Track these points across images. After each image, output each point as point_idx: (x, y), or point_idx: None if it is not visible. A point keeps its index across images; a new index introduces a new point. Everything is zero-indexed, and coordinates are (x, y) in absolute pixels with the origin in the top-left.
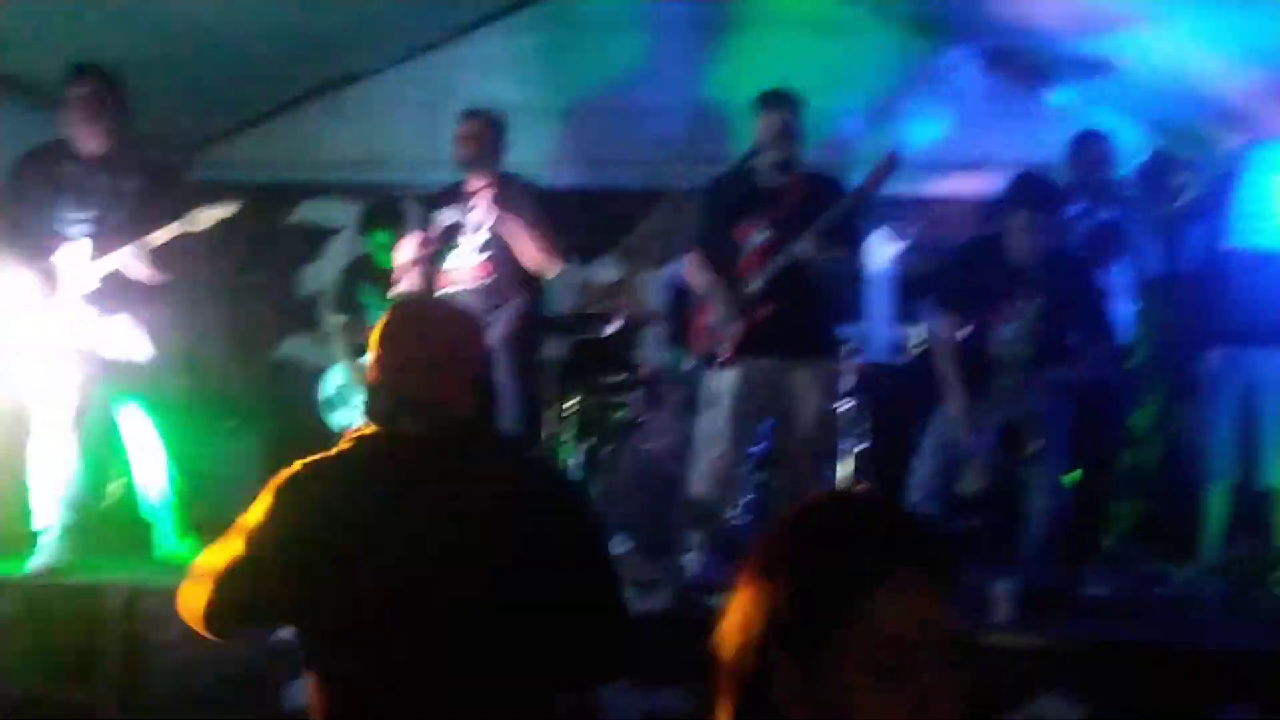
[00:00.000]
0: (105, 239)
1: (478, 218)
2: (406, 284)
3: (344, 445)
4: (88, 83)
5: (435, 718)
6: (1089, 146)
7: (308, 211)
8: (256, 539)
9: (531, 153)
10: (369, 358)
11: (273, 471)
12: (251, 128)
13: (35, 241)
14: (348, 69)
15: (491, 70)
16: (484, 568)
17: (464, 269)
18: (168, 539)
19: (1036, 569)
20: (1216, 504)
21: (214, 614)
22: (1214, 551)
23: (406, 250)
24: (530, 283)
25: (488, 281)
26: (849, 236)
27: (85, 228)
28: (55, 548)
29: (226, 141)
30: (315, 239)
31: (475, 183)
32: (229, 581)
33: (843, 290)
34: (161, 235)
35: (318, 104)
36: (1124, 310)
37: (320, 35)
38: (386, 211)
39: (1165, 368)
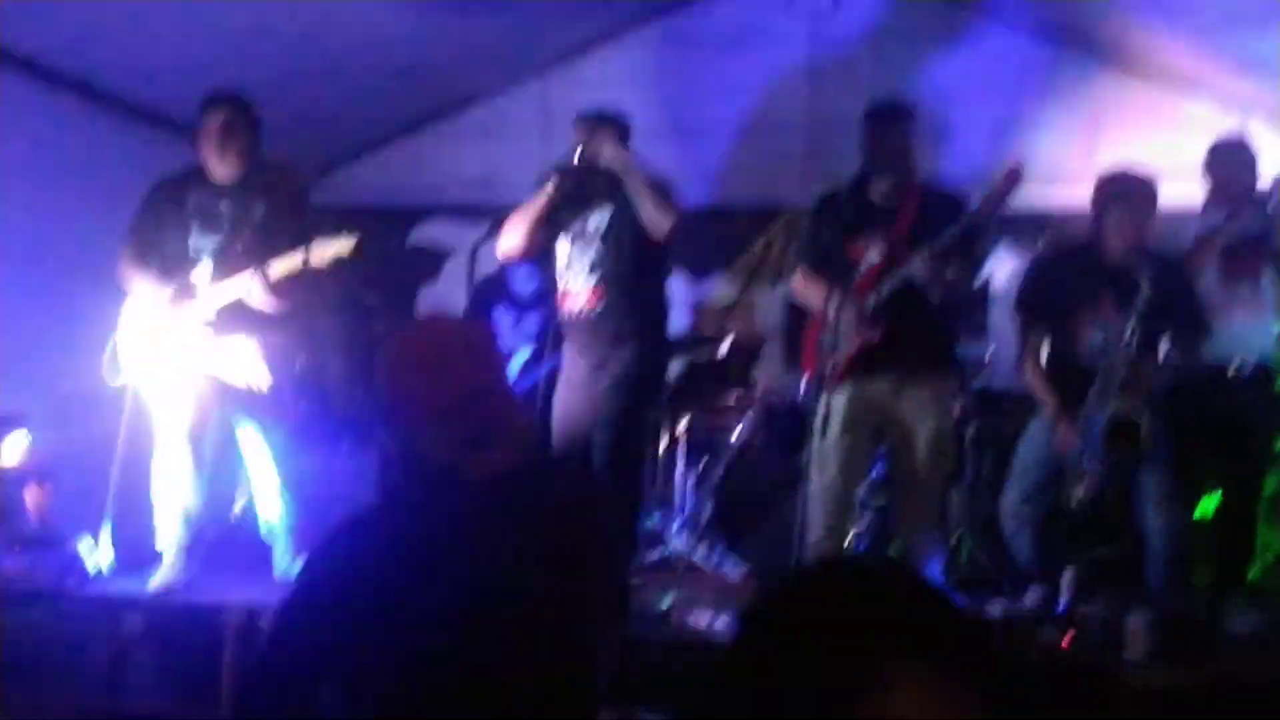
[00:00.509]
0: (231, 262)
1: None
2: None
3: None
4: (222, 110)
5: None
6: (1228, 154)
7: (426, 233)
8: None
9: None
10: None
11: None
12: (371, 152)
13: (165, 264)
14: (463, 91)
15: (605, 89)
16: (553, 608)
17: (579, 292)
18: (283, 559)
19: (1171, 601)
20: None
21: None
22: None
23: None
24: (653, 307)
25: (599, 310)
26: (967, 255)
27: (211, 251)
28: (176, 566)
29: (346, 166)
30: (433, 261)
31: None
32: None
33: (959, 309)
34: (280, 267)
35: (435, 127)
36: (1272, 328)
37: (436, 58)
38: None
39: None
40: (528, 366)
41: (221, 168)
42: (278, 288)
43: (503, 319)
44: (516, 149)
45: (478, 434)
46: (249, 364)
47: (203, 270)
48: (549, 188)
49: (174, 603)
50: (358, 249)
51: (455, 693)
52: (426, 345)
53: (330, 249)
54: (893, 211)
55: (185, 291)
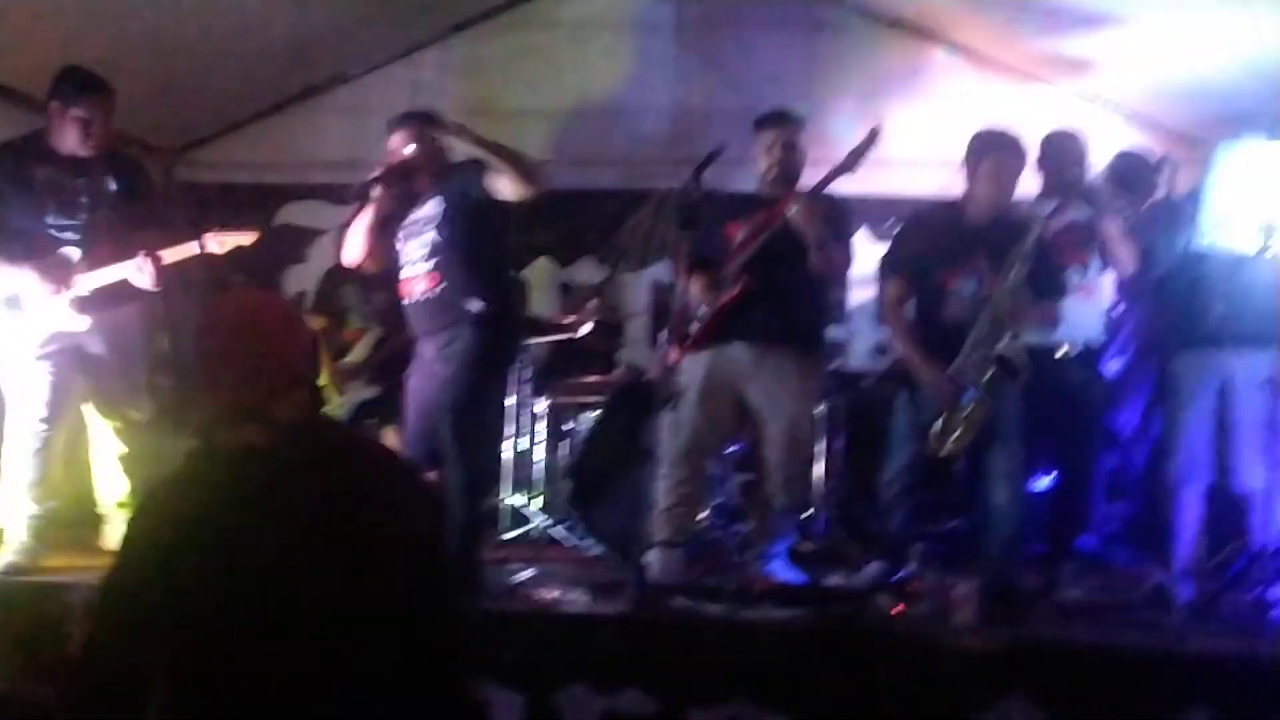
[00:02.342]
0: (95, 242)
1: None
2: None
3: (176, 468)
4: (92, 95)
5: None
6: (1059, 145)
7: (292, 214)
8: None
9: None
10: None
11: None
12: (237, 130)
13: (17, 241)
14: (332, 71)
15: (474, 71)
16: (318, 578)
17: (416, 278)
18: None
19: (1002, 570)
20: (1191, 507)
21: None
22: (1189, 555)
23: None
24: (492, 285)
25: (436, 293)
26: (839, 225)
27: (73, 233)
28: (24, 545)
29: (212, 143)
30: (300, 241)
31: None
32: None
33: (827, 287)
34: (175, 253)
35: (303, 106)
36: (1100, 312)
37: (304, 38)
38: None
39: (1146, 369)
40: (379, 345)
41: (78, 147)
42: (163, 270)
43: (352, 296)
44: (383, 131)
45: (241, 406)
46: (113, 339)
47: (71, 251)
48: (374, 195)
49: (18, 582)
50: (258, 241)
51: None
52: (216, 317)
53: (231, 239)
54: (773, 202)
55: (59, 273)
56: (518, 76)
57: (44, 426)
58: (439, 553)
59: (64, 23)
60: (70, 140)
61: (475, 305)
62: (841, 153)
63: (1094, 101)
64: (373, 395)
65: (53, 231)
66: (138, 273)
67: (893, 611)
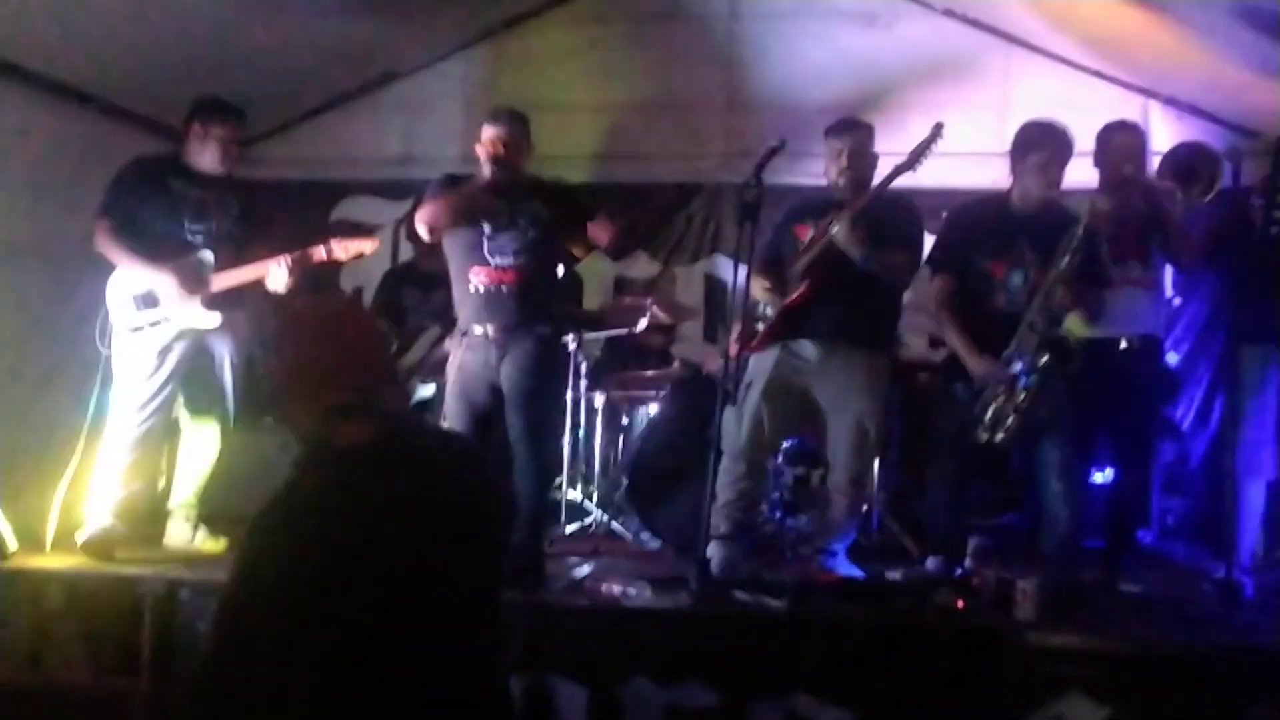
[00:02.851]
0: (224, 247)
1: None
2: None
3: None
4: (232, 120)
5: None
6: (1118, 137)
7: (348, 209)
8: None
9: (570, 148)
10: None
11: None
12: (294, 127)
13: (155, 244)
14: (387, 68)
15: (528, 66)
16: (440, 571)
17: (499, 269)
18: (198, 537)
19: (1062, 565)
20: (1254, 500)
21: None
22: (1252, 548)
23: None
24: (560, 288)
25: (515, 288)
26: (894, 228)
27: (208, 236)
28: (105, 524)
29: (270, 140)
30: (355, 238)
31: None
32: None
33: (896, 288)
34: (306, 256)
35: (358, 103)
36: (1159, 304)
37: (358, 35)
38: None
39: (1204, 362)
40: (436, 343)
41: (217, 166)
42: (296, 274)
43: (411, 296)
44: (439, 126)
45: (345, 404)
46: (233, 339)
47: (206, 254)
48: (481, 179)
49: (93, 576)
50: (377, 250)
51: (370, 668)
52: (316, 321)
53: (355, 246)
54: (841, 204)
55: (196, 273)
56: (570, 71)
57: (147, 414)
58: (505, 550)
59: (121, 21)
60: (208, 159)
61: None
62: (896, 146)
63: (1153, 94)
64: (430, 394)
65: (189, 238)
66: (276, 271)
67: (953, 606)
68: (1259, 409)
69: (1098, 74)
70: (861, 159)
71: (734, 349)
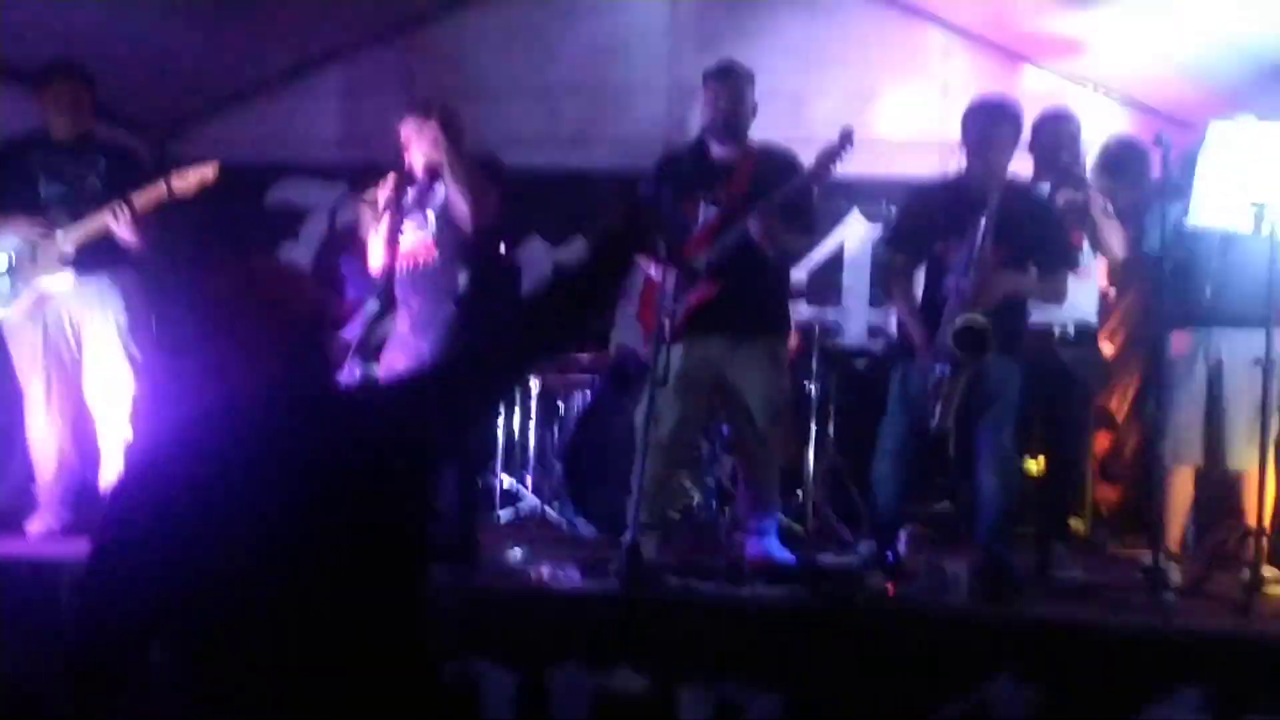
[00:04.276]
0: (80, 208)
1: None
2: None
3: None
4: (65, 79)
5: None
6: (1051, 127)
7: (284, 192)
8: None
9: (508, 133)
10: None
11: None
12: (229, 108)
13: (16, 212)
14: (324, 50)
15: (467, 50)
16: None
17: (414, 249)
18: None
19: (993, 551)
20: (1180, 489)
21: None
22: (1180, 535)
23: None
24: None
25: (432, 265)
26: (801, 215)
27: (61, 197)
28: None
29: (205, 122)
30: (292, 219)
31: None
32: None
33: (789, 268)
34: (145, 197)
35: (295, 85)
36: (1093, 293)
37: (296, 16)
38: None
39: (1138, 351)
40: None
41: (65, 129)
42: (139, 222)
43: (349, 268)
44: (376, 109)
45: (290, 363)
46: (109, 303)
47: (56, 213)
48: (387, 193)
49: (9, 561)
50: (218, 173)
51: (279, 627)
52: (259, 279)
53: (194, 176)
54: (730, 171)
55: (42, 231)
56: (510, 55)
57: (35, 392)
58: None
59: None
60: (58, 122)
61: (462, 277)
62: (835, 134)
63: (1086, 84)
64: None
65: (41, 198)
66: (114, 221)
67: (883, 590)
68: (1186, 397)
69: (1033, 63)
70: (740, 105)
71: (672, 331)
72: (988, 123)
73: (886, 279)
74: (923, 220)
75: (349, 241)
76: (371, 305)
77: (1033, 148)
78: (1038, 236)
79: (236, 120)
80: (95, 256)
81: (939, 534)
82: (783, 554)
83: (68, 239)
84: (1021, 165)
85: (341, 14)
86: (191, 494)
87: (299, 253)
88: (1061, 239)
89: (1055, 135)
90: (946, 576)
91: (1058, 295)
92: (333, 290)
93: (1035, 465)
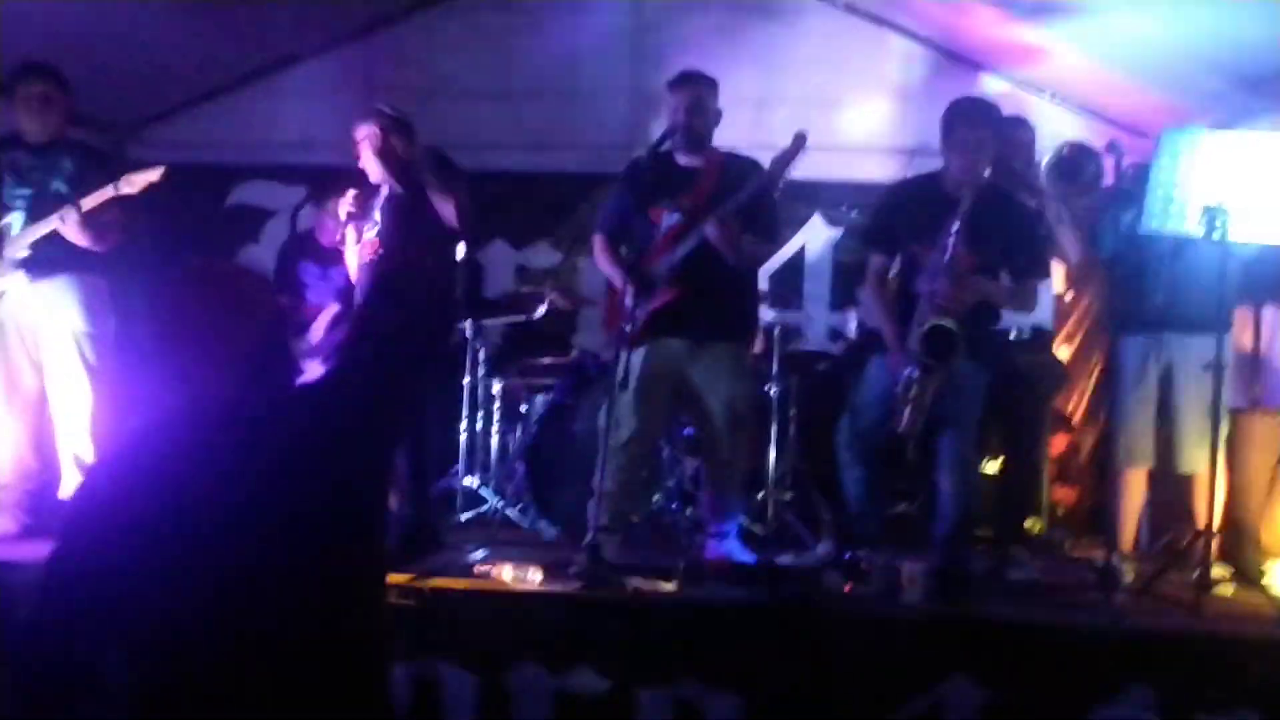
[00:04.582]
0: (42, 210)
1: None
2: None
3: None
4: (40, 81)
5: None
6: (1008, 134)
7: (246, 193)
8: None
9: (471, 136)
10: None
11: None
12: (190, 109)
13: None
14: (285, 52)
15: (429, 51)
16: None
17: (366, 246)
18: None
19: (951, 552)
20: (1133, 490)
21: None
22: (1133, 535)
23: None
24: (432, 261)
25: (376, 259)
26: (761, 219)
27: (23, 199)
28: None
29: (164, 122)
30: (252, 221)
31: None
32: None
33: (755, 273)
34: (93, 198)
35: (256, 86)
36: (1049, 297)
37: (259, 17)
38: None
39: (1094, 355)
40: (335, 321)
41: (36, 131)
42: (92, 223)
43: (309, 273)
44: (337, 112)
45: (253, 367)
46: (67, 307)
47: (15, 217)
48: (349, 205)
49: None
50: (166, 177)
51: (237, 644)
52: (219, 282)
53: (140, 178)
54: (693, 178)
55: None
56: (473, 58)
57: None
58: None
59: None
60: (28, 123)
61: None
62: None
63: (1042, 91)
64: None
65: (5, 199)
66: (61, 224)
67: (842, 590)
68: (1139, 399)
69: (990, 70)
70: (703, 114)
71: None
72: (968, 123)
73: (866, 279)
74: (898, 218)
75: (309, 245)
76: (334, 309)
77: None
78: (1012, 242)
79: (197, 121)
80: (54, 259)
81: (899, 535)
82: (743, 555)
83: (21, 241)
84: None
85: (304, 16)
86: (152, 499)
87: (260, 255)
88: (1036, 247)
89: (1010, 141)
90: (903, 577)
91: (1027, 304)
92: (294, 294)
93: (992, 467)
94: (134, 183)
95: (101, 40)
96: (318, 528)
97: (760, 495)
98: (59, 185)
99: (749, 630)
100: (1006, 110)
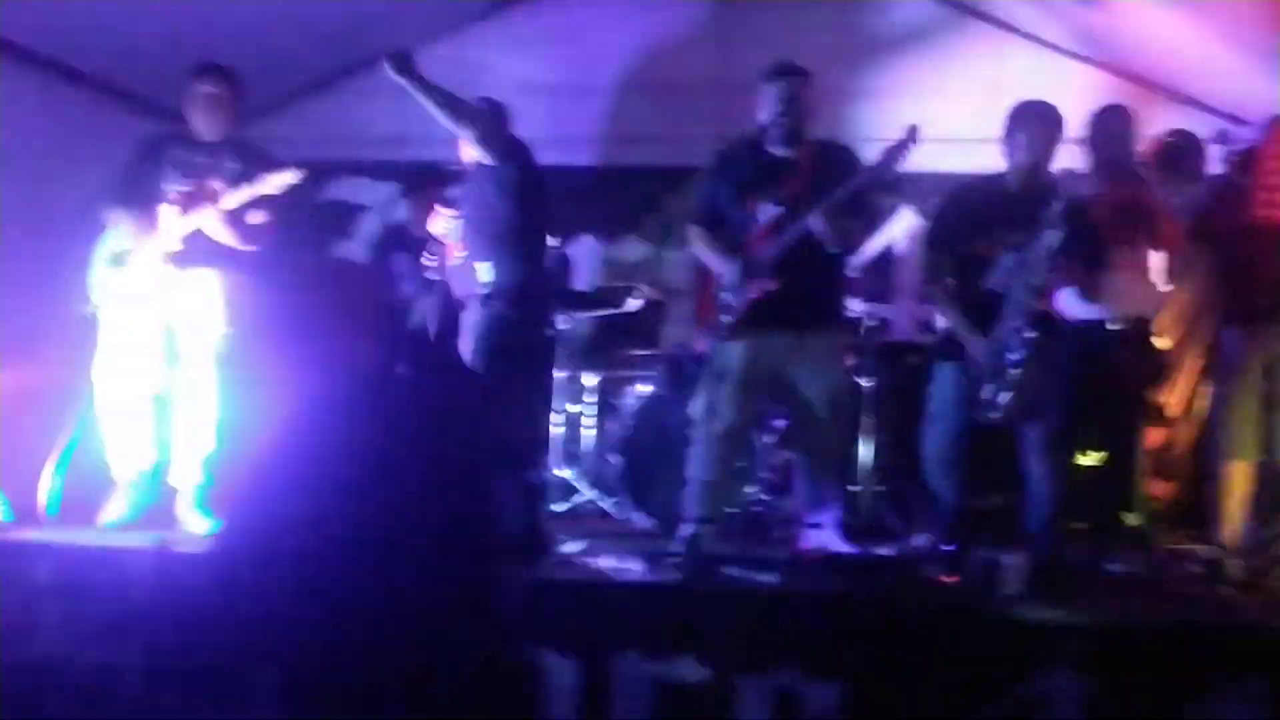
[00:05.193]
0: (197, 205)
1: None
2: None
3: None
4: (209, 80)
5: None
6: (1108, 121)
7: (340, 189)
8: None
9: (559, 130)
10: None
11: None
12: (285, 108)
13: (144, 206)
14: (378, 48)
15: (520, 47)
16: None
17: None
18: (193, 508)
19: (1048, 544)
20: (1237, 483)
21: None
22: (1237, 530)
23: (439, 222)
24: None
25: (461, 260)
26: (862, 211)
27: (180, 192)
28: (125, 501)
29: (260, 121)
30: (345, 217)
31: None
32: None
33: (845, 264)
34: (234, 198)
35: (349, 83)
36: (1150, 288)
37: (354, 13)
38: (425, 184)
39: (1194, 347)
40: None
41: (204, 128)
42: (235, 219)
43: (402, 265)
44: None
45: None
46: (210, 301)
47: (170, 207)
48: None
49: (84, 549)
50: (304, 178)
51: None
52: (341, 276)
53: (278, 179)
54: (790, 167)
55: (151, 224)
56: (563, 52)
57: (121, 382)
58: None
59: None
60: (198, 121)
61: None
62: (885, 131)
63: (1141, 79)
64: None
65: (165, 193)
66: (208, 217)
67: (940, 583)
68: (1243, 391)
69: (1087, 59)
70: (799, 107)
71: (732, 327)
72: (1039, 126)
73: (928, 278)
74: (963, 219)
75: (402, 238)
76: (428, 299)
77: (1088, 143)
78: (1077, 237)
79: (291, 118)
80: (204, 253)
81: (997, 527)
82: (840, 546)
83: (174, 235)
84: (1075, 159)
85: (398, 12)
86: (313, 477)
87: (353, 250)
88: (1098, 241)
89: (1109, 130)
90: (1001, 569)
91: (1096, 294)
92: (388, 286)
93: (1091, 458)
94: (273, 183)
95: (201, 38)
96: (433, 508)
97: (855, 487)
98: (219, 182)
99: (848, 621)
100: (1103, 99)
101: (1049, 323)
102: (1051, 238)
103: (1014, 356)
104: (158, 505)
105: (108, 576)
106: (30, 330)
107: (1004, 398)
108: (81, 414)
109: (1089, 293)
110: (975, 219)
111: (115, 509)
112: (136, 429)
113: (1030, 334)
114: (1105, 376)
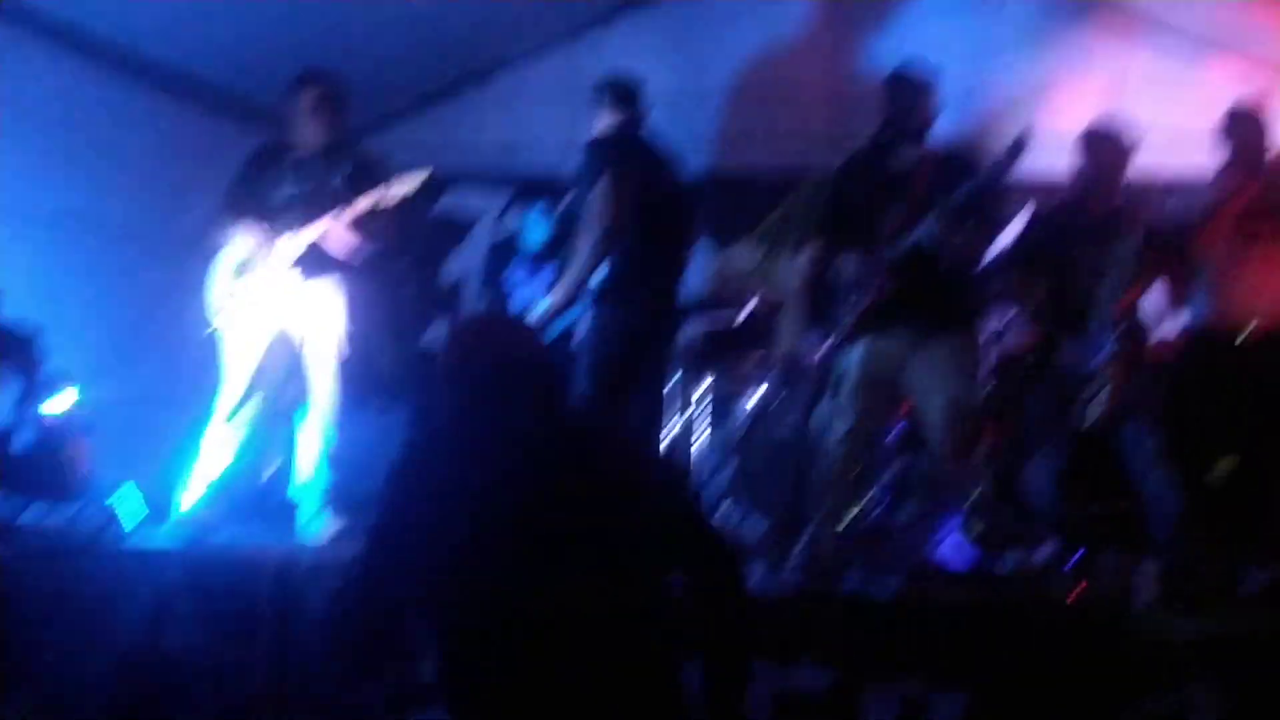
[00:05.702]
0: (314, 214)
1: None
2: None
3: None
4: (315, 86)
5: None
6: (1243, 120)
7: (453, 199)
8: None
9: (670, 138)
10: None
11: None
12: (397, 120)
13: (259, 216)
14: (489, 60)
15: (630, 56)
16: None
17: None
18: (311, 518)
19: (1178, 553)
20: None
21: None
22: None
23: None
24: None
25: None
26: (980, 217)
27: (297, 203)
28: (215, 511)
29: (373, 135)
30: (458, 227)
31: None
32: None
33: (974, 267)
34: (357, 208)
35: (460, 95)
36: None
37: (461, 27)
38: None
39: None
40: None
41: (312, 137)
42: (355, 230)
43: (517, 275)
44: (541, 117)
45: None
46: (332, 308)
47: (288, 218)
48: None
49: (212, 554)
50: (429, 181)
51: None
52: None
53: (403, 185)
54: (911, 172)
55: (271, 235)
56: (675, 59)
57: (260, 394)
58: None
59: (237, 21)
60: (305, 129)
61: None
62: (1006, 128)
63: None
64: None
65: (281, 203)
66: (329, 227)
67: (1070, 593)
68: None
69: (1223, 49)
70: (920, 110)
71: (852, 331)
72: (1098, 148)
73: (1026, 286)
74: (1048, 229)
75: (514, 249)
76: (544, 306)
77: (1226, 139)
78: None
79: (405, 130)
80: (323, 261)
81: (1125, 533)
82: (964, 554)
83: (293, 244)
84: (1215, 157)
85: (507, 23)
86: (452, 484)
87: (467, 261)
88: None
89: (1246, 127)
90: (1132, 579)
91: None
92: (502, 295)
93: (1225, 465)
94: (397, 191)
95: (313, 51)
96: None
97: (979, 493)
98: (333, 191)
99: (974, 630)
100: (1241, 92)
101: (1132, 331)
102: (1128, 247)
103: (1099, 361)
104: (275, 509)
105: (238, 579)
106: (157, 341)
107: (1098, 405)
108: (208, 421)
109: (1176, 299)
110: (1059, 230)
111: (209, 512)
112: (245, 437)
113: (1117, 343)
114: (1239, 382)
